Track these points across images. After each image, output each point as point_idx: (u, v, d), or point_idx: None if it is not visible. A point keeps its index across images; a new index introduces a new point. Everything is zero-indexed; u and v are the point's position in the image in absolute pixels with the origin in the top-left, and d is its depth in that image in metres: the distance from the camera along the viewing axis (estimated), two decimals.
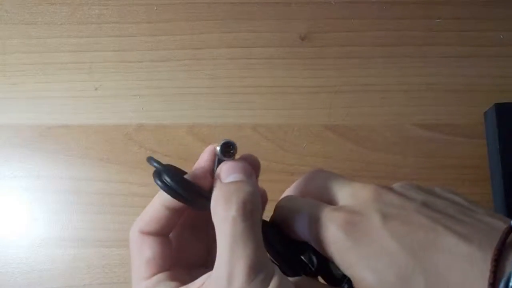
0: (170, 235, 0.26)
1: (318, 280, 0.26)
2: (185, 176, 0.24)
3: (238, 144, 0.25)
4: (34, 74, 0.51)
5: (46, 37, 0.52)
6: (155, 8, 0.52)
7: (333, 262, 0.24)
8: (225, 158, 0.25)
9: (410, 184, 0.26)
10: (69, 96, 0.50)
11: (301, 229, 0.25)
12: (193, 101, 0.50)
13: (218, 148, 0.25)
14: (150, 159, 0.25)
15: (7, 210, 0.48)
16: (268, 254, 0.22)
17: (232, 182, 0.23)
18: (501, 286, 0.19)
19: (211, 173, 0.25)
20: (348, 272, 0.23)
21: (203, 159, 0.26)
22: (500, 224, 0.21)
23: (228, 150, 0.24)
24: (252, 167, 0.25)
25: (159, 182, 0.24)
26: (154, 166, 0.24)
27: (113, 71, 0.50)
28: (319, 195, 0.26)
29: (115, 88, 0.50)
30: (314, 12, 0.51)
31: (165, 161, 0.50)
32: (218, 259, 0.22)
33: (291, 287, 0.22)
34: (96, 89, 0.50)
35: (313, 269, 0.26)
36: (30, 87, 0.50)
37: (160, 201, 0.25)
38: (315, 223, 0.24)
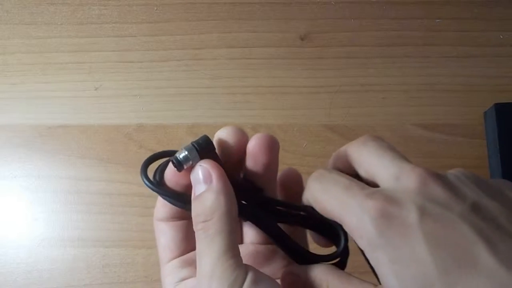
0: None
1: (337, 268, 0.25)
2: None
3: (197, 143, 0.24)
4: (34, 74, 0.51)
5: (46, 37, 0.52)
6: (155, 8, 0.52)
7: None
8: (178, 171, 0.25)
9: (467, 174, 0.23)
10: (69, 96, 0.50)
11: (331, 213, 0.23)
12: (193, 101, 0.50)
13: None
14: (141, 172, 0.26)
15: (7, 210, 0.48)
16: (238, 258, 0.22)
17: (197, 197, 0.24)
18: None
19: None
20: (374, 268, 0.22)
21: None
22: None
23: (175, 167, 0.24)
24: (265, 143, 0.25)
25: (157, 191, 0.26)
26: (146, 185, 0.26)
27: (113, 71, 0.50)
28: (363, 168, 0.24)
29: (115, 88, 0.50)
30: (314, 12, 0.51)
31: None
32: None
33: (268, 285, 0.22)
34: (96, 89, 0.50)
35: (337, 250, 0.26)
36: (30, 87, 0.50)
37: None
38: (346, 209, 0.22)
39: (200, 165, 0.24)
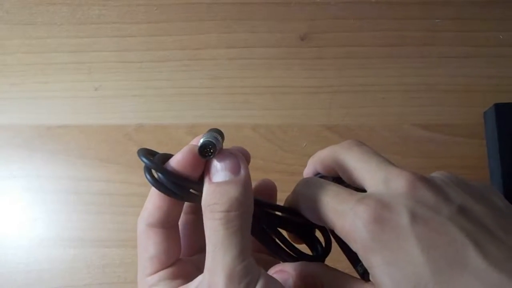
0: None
1: (326, 265, 0.26)
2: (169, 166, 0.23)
3: (223, 132, 0.23)
4: (34, 74, 0.51)
5: (46, 37, 0.52)
6: (155, 9, 0.52)
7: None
8: (204, 159, 0.23)
9: (451, 177, 0.24)
10: (69, 96, 0.50)
11: (323, 219, 0.24)
12: (193, 101, 0.50)
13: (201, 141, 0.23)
14: (139, 154, 0.24)
15: (7, 210, 0.48)
16: (251, 259, 0.22)
17: (219, 184, 0.22)
18: None
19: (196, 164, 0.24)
20: (368, 270, 0.22)
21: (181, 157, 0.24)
22: None
23: (205, 153, 0.22)
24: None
25: (149, 178, 0.24)
26: (143, 161, 0.24)
27: (113, 71, 0.51)
28: (348, 172, 0.25)
29: (115, 88, 0.50)
30: (314, 12, 0.51)
31: None
32: (205, 265, 0.22)
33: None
34: (96, 89, 0.50)
35: (319, 250, 0.27)
36: (30, 87, 0.50)
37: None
38: (338, 215, 0.23)
39: (230, 153, 0.23)
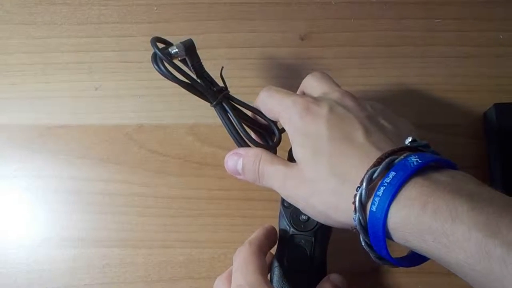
0: None
1: (270, 152, 0.35)
2: None
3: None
4: (34, 74, 0.51)
5: (46, 37, 0.52)
6: (155, 8, 0.52)
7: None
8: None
9: (379, 105, 0.34)
10: (69, 96, 0.50)
11: (273, 110, 0.34)
12: (193, 101, 0.49)
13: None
14: (153, 42, 0.35)
15: (7, 210, 0.48)
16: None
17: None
18: (367, 174, 0.26)
19: None
20: (291, 144, 0.32)
21: None
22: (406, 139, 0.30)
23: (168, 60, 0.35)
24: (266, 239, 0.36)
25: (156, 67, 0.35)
26: (155, 51, 0.35)
27: (113, 71, 0.50)
28: (306, 89, 0.37)
29: (115, 88, 0.50)
30: (314, 12, 0.51)
31: (164, 161, 0.50)
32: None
33: None
34: (96, 89, 0.50)
35: (271, 143, 0.38)
36: (30, 87, 0.50)
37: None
38: (283, 106, 0.33)
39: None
